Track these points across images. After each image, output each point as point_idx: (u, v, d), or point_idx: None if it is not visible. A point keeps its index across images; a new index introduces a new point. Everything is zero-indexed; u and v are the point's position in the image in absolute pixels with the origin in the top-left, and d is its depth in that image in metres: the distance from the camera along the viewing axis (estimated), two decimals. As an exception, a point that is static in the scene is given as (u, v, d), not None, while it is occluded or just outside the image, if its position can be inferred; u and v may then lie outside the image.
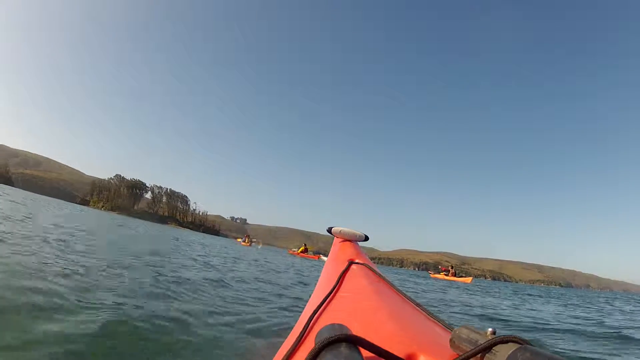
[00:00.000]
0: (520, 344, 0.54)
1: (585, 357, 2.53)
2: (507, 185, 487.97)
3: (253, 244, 28.79)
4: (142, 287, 3.13)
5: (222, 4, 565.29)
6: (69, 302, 2.23)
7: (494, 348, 0.56)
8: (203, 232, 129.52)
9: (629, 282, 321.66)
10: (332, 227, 1.95)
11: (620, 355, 2.85)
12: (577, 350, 2.84)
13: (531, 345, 0.54)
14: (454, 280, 19.75)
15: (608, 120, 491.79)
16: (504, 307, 6.55)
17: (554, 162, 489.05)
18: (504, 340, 0.55)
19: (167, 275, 3.95)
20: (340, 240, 1.96)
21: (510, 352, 0.53)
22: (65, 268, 3.21)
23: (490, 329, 0.60)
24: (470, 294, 9.74)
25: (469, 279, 20.63)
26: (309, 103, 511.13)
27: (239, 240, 32.72)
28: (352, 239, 1.94)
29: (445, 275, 22.16)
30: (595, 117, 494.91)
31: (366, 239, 1.95)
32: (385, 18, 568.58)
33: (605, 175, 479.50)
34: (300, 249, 24.15)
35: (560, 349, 2.84)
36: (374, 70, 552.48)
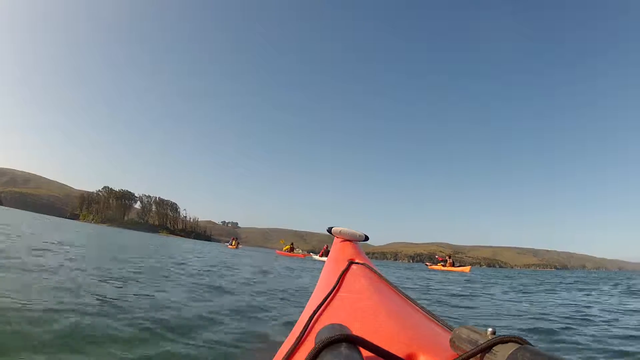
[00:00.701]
0: (520, 344, 0.55)
1: (585, 357, 2.43)
2: (499, 173, 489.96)
3: (239, 247, 28.81)
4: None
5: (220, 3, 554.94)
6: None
7: (494, 348, 0.56)
8: (194, 238, 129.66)
9: (624, 260, 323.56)
10: (332, 227, 1.96)
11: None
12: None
13: (531, 345, 0.54)
14: (452, 271, 19.18)
15: (599, 104, 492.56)
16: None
17: (544, 147, 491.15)
18: (504, 341, 0.56)
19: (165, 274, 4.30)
20: (340, 240, 1.96)
21: (510, 352, 0.53)
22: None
23: (490, 329, 0.61)
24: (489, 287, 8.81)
25: (467, 268, 19.93)
26: (304, 102, 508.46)
27: (227, 244, 32.33)
28: (352, 239, 1.94)
29: (443, 265, 21.34)
30: (586, 101, 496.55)
31: (366, 239, 1.96)
32: (385, 17, 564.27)
33: (596, 156, 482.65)
34: (285, 248, 23.71)
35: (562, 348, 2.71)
36: (367, 66, 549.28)
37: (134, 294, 3.18)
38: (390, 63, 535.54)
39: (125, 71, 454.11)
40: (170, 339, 2.02)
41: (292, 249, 23.43)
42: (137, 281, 3.97)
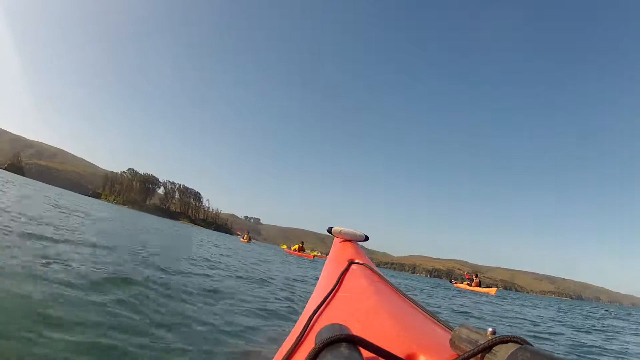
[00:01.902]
0: (520, 344, 0.54)
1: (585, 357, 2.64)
2: (520, 194, 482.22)
3: (252, 241, 28.70)
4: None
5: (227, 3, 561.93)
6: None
7: (494, 348, 0.56)
8: (215, 230, 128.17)
9: (637, 296, 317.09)
10: (332, 227, 1.95)
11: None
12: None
13: (531, 345, 0.53)
14: (478, 291, 18.08)
15: (632, 126, 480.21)
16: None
17: (567, 172, 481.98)
18: (504, 340, 0.55)
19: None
20: (340, 240, 1.95)
21: (510, 352, 0.52)
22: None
23: (490, 329, 0.60)
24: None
25: (493, 290, 18.80)
26: (327, 104, 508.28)
27: (240, 237, 31.96)
28: (352, 239, 1.93)
29: (468, 284, 20.15)
30: (618, 122, 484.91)
31: (366, 239, 1.95)
32: (392, 17, 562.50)
33: (621, 188, 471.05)
34: (294, 248, 23.42)
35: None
36: (388, 71, 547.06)
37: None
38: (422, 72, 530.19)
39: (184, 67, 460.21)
40: (167, 338, 1.98)
41: (301, 249, 22.81)
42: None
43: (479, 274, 21.04)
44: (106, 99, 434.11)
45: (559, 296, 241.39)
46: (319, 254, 24.09)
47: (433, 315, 0.97)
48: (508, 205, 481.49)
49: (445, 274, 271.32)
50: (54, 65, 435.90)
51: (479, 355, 0.57)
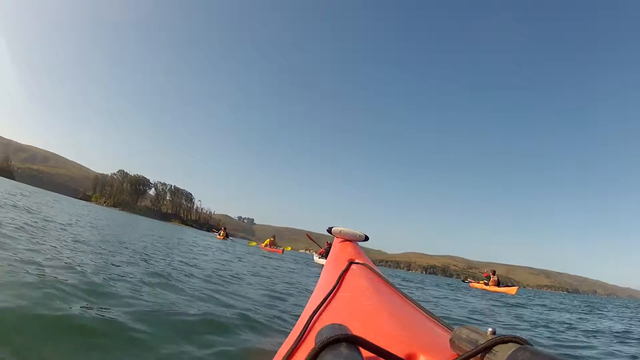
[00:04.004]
0: (520, 344, 0.54)
1: (585, 357, 2.47)
2: (515, 190, 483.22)
3: (229, 238, 27.71)
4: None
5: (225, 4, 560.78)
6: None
7: (494, 348, 0.55)
8: (207, 230, 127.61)
9: (634, 289, 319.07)
10: (332, 227, 1.96)
11: None
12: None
13: (531, 345, 0.53)
14: (497, 291, 16.13)
15: (628, 123, 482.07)
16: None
17: (562, 167, 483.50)
18: (504, 340, 0.55)
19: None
20: (340, 240, 1.96)
21: (510, 352, 0.52)
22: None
23: (490, 329, 0.60)
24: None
25: (513, 290, 16.72)
26: (325, 104, 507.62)
27: (216, 234, 30.57)
28: (352, 239, 1.94)
29: (485, 284, 18.02)
30: (613, 119, 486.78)
31: (366, 239, 1.95)
32: (390, 17, 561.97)
33: (615, 182, 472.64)
34: (265, 243, 22.93)
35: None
36: (382, 70, 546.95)
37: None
38: (407, 65, 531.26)
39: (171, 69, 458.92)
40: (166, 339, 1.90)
41: (272, 244, 22.28)
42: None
43: (495, 272, 18.55)
44: (96, 101, 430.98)
45: (555, 290, 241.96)
46: (291, 248, 24.69)
47: (433, 315, 0.97)
48: (502, 200, 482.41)
49: (441, 270, 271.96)
50: (45, 66, 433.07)
51: (479, 356, 0.57)
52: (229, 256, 9.60)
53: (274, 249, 20.89)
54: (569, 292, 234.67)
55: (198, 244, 13.34)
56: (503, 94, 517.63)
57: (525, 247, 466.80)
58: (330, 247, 15.09)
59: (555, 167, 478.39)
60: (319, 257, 16.56)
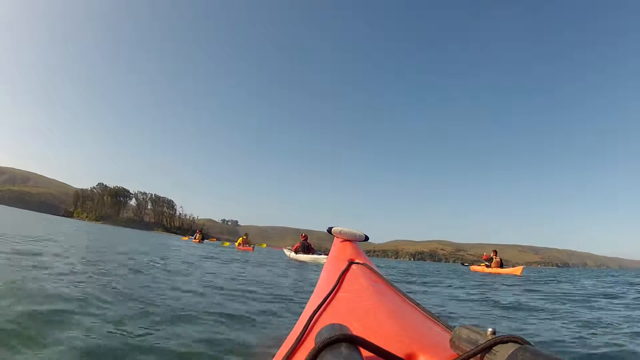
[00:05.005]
0: (520, 344, 0.54)
1: (584, 357, 2.18)
2: (499, 170, 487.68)
3: (204, 241, 27.86)
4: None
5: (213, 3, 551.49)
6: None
7: (494, 348, 0.55)
8: (190, 235, 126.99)
9: (624, 258, 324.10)
10: (332, 227, 1.97)
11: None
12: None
13: (531, 345, 0.53)
14: (500, 273, 14.99)
15: (603, 103, 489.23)
16: None
17: (545, 145, 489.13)
18: (504, 341, 0.55)
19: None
20: (340, 240, 1.96)
21: (510, 352, 0.52)
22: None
23: (490, 329, 0.60)
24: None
25: (518, 270, 14.99)
26: (303, 102, 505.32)
27: (192, 238, 29.60)
28: (352, 239, 1.94)
29: (487, 266, 16.84)
30: (595, 94, 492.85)
31: (366, 239, 1.97)
32: (384, 17, 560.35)
33: (598, 155, 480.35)
34: (238, 242, 22.99)
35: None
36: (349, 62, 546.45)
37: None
38: (387, 62, 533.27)
39: (132, 72, 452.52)
40: (165, 335, 1.93)
41: (245, 242, 21.99)
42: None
43: (497, 253, 17.27)
44: (65, 115, 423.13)
45: (545, 266, 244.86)
46: (265, 245, 23.37)
47: (433, 315, 0.97)
48: (484, 181, 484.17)
49: (429, 255, 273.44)
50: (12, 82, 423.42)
51: (478, 356, 0.57)
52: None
53: (245, 248, 20.86)
54: (559, 266, 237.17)
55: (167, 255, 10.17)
56: (475, 72, 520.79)
57: (512, 226, 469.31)
58: (305, 242, 14.11)
59: (537, 141, 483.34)
60: (292, 252, 14.82)
